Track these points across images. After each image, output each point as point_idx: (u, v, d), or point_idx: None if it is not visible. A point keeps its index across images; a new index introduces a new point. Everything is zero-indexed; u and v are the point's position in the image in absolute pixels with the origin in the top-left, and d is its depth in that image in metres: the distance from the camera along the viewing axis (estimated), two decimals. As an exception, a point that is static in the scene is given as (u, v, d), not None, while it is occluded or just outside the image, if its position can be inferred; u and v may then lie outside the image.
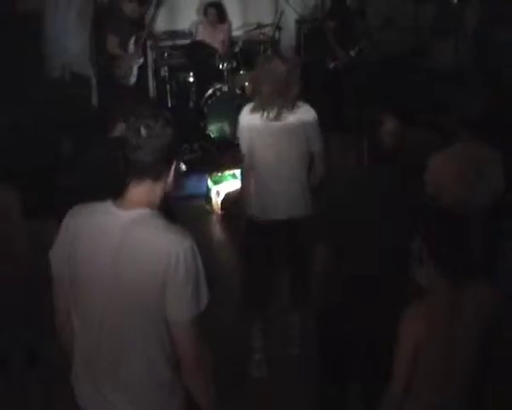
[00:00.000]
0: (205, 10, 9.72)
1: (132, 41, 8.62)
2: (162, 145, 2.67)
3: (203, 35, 9.60)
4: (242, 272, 5.18)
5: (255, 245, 4.92)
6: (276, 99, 4.58)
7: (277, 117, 4.59)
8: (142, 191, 2.74)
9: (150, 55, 9.72)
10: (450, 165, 4.81)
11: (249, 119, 4.72)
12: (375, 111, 4.23)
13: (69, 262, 2.80)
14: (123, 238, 2.70)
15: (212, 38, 9.47)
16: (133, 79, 8.71)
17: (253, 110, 4.70)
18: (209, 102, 8.78)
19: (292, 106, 4.62)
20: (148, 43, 9.52)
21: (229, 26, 9.95)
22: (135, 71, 8.70)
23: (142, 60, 8.85)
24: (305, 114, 4.70)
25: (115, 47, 8.48)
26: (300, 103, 4.73)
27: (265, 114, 4.61)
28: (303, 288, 4.90)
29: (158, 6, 9.19)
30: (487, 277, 3.72)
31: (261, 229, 4.80)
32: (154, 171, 2.71)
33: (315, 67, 9.74)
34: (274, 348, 5.20)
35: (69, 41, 9.18)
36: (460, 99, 5.20)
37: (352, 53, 9.41)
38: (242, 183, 5.06)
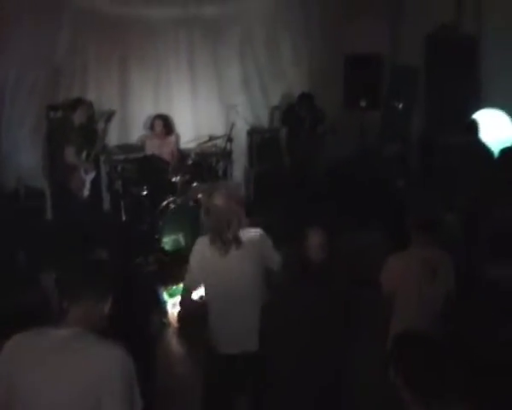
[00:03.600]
0: (151, 123, 9.92)
1: (84, 154, 8.74)
2: (96, 272, 3.04)
3: (150, 148, 9.73)
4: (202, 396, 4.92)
5: (213, 377, 4.69)
6: (219, 235, 4.44)
7: (224, 252, 4.43)
8: (80, 313, 2.99)
9: (103, 169, 9.77)
10: (405, 267, 4.88)
11: (201, 249, 4.58)
12: (301, 225, 4.28)
13: (6, 384, 2.94)
14: (56, 357, 2.88)
15: (160, 150, 9.62)
16: (86, 193, 8.80)
17: (206, 241, 4.56)
18: (163, 214, 8.81)
19: (237, 240, 4.45)
20: (102, 157, 9.58)
21: (177, 138, 10.16)
22: (88, 184, 8.80)
23: (94, 173, 8.95)
24: (253, 239, 4.53)
25: (73, 156, 8.62)
26: (247, 230, 4.57)
27: (213, 248, 4.47)
28: None
29: (108, 120, 9.35)
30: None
31: (219, 361, 4.59)
32: (91, 293, 3.00)
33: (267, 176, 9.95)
34: None
35: (23, 156, 9.27)
36: (413, 203, 5.33)
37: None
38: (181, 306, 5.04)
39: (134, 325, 3.89)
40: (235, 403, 4.79)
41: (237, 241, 4.43)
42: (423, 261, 4.79)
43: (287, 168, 10.17)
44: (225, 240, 4.42)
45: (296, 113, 10.10)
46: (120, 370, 2.87)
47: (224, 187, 4.83)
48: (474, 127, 7.91)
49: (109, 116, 9.43)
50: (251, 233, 4.56)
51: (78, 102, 8.88)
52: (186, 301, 4.76)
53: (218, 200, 4.49)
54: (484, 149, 7.80)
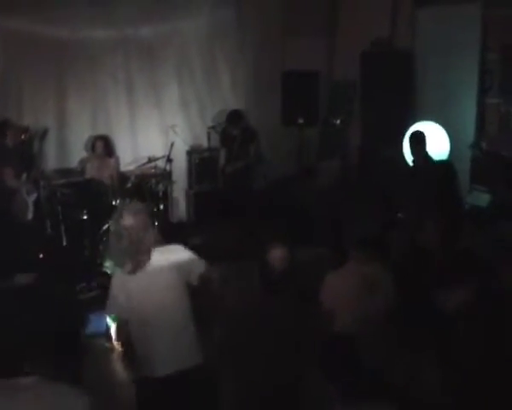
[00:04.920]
0: (92, 144, 9.86)
1: (24, 176, 8.65)
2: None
3: (91, 171, 9.67)
4: None
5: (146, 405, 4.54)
6: (130, 257, 4.36)
7: (136, 273, 4.36)
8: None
9: (43, 194, 9.64)
10: (343, 283, 4.91)
11: (120, 277, 4.49)
12: (263, 239, 4.37)
13: None
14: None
15: (101, 173, 9.57)
16: (30, 215, 8.70)
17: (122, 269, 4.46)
18: (104, 238, 8.73)
19: (148, 257, 4.38)
20: (41, 182, 9.46)
21: (117, 160, 10.15)
22: (31, 206, 8.69)
23: (36, 194, 8.84)
24: (172, 255, 4.50)
25: (12, 179, 8.49)
26: (165, 248, 4.53)
27: (125, 270, 4.39)
28: None
29: (42, 138, 9.25)
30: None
31: (151, 387, 4.45)
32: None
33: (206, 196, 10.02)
34: None
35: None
36: (351, 220, 5.38)
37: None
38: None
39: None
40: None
41: (149, 260, 4.40)
42: (361, 277, 4.83)
43: (221, 188, 10.29)
44: (138, 261, 4.36)
45: (228, 132, 10.22)
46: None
47: (131, 206, 4.68)
48: (420, 139, 7.95)
49: (43, 134, 9.33)
50: (166, 249, 4.53)
51: (4, 125, 8.80)
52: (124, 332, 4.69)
53: (128, 220, 4.34)
54: (428, 161, 7.90)
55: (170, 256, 4.48)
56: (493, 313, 4.13)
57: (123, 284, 4.45)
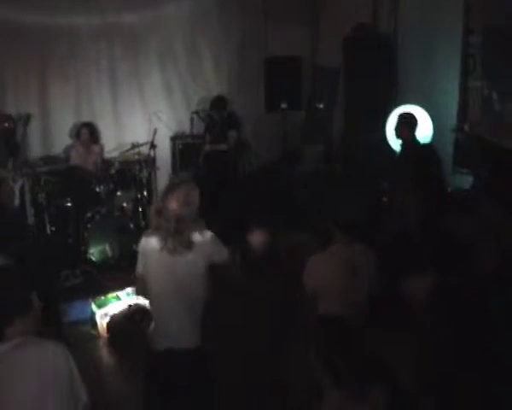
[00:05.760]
0: (77, 131, 9.84)
1: (11, 164, 8.63)
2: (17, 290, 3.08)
3: (76, 158, 9.66)
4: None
5: (154, 375, 4.60)
6: (169, 237, 4.40)
7: (174, 251, 4.40)
8: (16, 328, 3.01)
9: (27, 183, 9.60)
10: (326, 266, 4.92)
11: (145, 244, 4.56)
12: (246, 223, 4.38)
13: None
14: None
15: (85, 159, 9.57)
16: (17, 202, 8.68)
17: (152, 237, 4.52)
18: (88, 225, 8.72)
19: (189, 243, 4.41)
20: (24, 170, 9.42)
21: (102, 147, 10.11)
22: (17, 193, 8.66)
23: (21, 181, 8.82)
24: (203, 240, 4.48)
25: None
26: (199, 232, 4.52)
27: (162, 246, 4.43)
28: None
29: (26, 123, 9.20)
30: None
31: (159, 358, 4.55)
32: (18, 309, 3.02)
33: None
34: None
35: None
36: (334, 204, 5.39)
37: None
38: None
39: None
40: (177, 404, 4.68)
41: (188, 244, 4.42)
42: (344, 260, 4.83)
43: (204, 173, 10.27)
44: (176, 242, 4.40)
45: (212, 116, 10.23)
46: (62, 369, 2.98)
47: (181, 186, 4.70)
48: (413, 122, 7.96)
49: (26, 120, 9.28)
50: (201, 235, 4.52)
51: None
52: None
53: (173, 204, 4.40)
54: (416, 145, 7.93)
55: (202, 243, 4.48)
56: (472, 299, 4.15)
57: (145, 249, 4.55)
